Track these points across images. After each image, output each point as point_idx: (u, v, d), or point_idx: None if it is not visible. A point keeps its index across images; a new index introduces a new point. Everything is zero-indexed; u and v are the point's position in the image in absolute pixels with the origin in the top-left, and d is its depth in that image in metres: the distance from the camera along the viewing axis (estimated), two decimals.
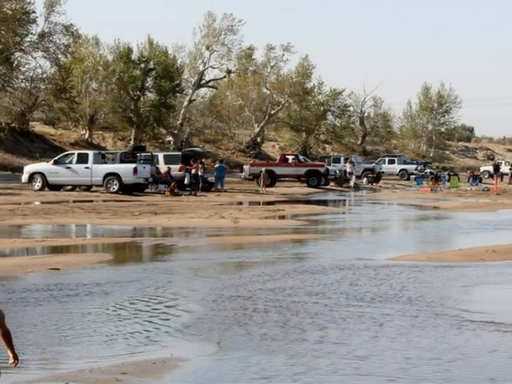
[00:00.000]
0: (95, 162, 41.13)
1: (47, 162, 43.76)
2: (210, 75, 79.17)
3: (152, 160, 44.00)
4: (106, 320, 11.41)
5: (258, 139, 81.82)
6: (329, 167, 55.98)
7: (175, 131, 74.35)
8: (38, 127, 68.66)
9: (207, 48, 76.38)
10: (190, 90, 76.94)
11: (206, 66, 77.36)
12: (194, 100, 78.96)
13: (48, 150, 61.25)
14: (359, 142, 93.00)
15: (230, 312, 11.98)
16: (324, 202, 42.14)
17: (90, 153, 42.69)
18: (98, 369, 8.83)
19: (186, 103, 76.03)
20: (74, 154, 42.99)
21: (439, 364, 9.22)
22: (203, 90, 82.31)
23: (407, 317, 11.85)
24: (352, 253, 19.69)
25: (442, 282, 15.31)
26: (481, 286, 15.10)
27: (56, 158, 42.57)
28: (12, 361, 6.23)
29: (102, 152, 46.42)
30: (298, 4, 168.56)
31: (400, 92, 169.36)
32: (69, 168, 40.93)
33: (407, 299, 13.27)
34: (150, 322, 11.36)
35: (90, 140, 68.24)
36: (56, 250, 19.60)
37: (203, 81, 78.52)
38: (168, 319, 11.60)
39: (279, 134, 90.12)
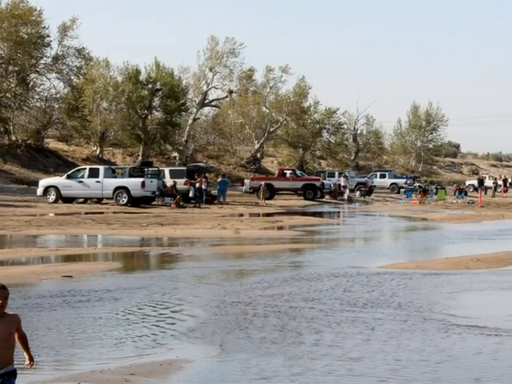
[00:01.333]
0: (106, 176, 41.13)
1: (61, 176, 43.73)
2: (212, 95, 79.33)
3: (159, 174, 44.01)
4: (115, 324, 11.42)
5: (258, 155, 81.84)
6: (324, 181, 55.99)
7: (180, 147, 74.38)
8: (52, 144, 68.67)
9: (210, 70, 76.51)
10: (195, 109, 77.00)
11: (210, 86, 77.47)
12: (198, 118, 79.03)
13: (61, 165, 61.26)
14: (352, 158, 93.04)
15: (232, 317, 11.99)
16: (320, 214, 42.14)
17: (101, 168, 42.69)
18: (108, 370, 8.84)
19: (190, 121, 76.09)
20: (85, 168, 43.01)
21: (427, 365, 9.22)
22: (206, 109, 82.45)
23: (397, 321, 11.85)
24: (346, 261, 19.69)
25: (430, 288, 15.30)
26: (466, 292, 15.09)
27: (69, 173, 42.58)
28: (28, 362, 6.24)
29: (112, 167, 46.40)
30: (296, 28, 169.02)
31: (391, 111, 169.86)
32: (81, 182, 40.94)
33: (397, 305, 13.27)
34: (157, 326, 11.36)
35: (100, 156, 68.25)
36: (69, 258, 19.61)
37: (206, 100, 78.61)
38: (174, 323, 11.60)
39: (278, 150, 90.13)
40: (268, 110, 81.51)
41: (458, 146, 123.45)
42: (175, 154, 74.65)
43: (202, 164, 61.48)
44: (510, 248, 23.09)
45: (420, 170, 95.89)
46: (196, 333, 10.91)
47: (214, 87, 77.90)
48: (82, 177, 41.19)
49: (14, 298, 12.30)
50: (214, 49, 75.96)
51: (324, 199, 55.19)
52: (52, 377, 8.58)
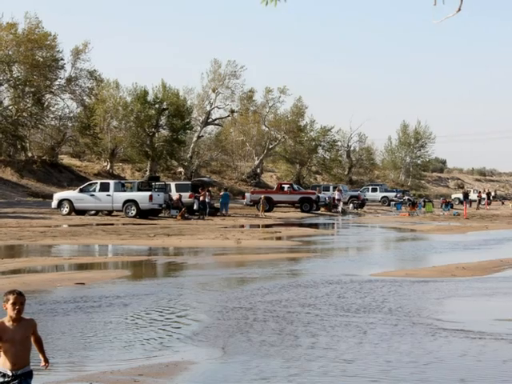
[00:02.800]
0: (116, 190, 41.14)
1: (74, 190, 43.76)
2: (215, 114, 79.45)
3: (165, 188, 43.99)
4: (125, 328, 11.42)
5: (258, 170, 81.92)
6: (319, 195, 55.99)
7: (185, 163, 74.43)
8: (65, 160, 68.77)
9: (213, 91, 76.63)
10: (199, 127, 77.12)
11: (213, 106, 77.60)
12: (202, 136, 79.13)
13: (74, 179, 61.30)
14: (346, 173, 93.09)
15: (233, 321, 11.99)
16: (315, 225, 42.14)
17: (111, 182, 42.70)
18: (118, 371, 8.84)
19: (195, 139, 76.20)
20: (97, 183, 43.01)
21: (416, 366, 9.24)
22: (210, 127, 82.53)
23: (388, 325, 11.86)
24: (340, 269, 19.69)
25: (419, 295, 15.31)
26: (452, 298, 15.09)
27: (81, 187, 42.61)
28: (43, 363, 6.26)
29: (122, 181, 46.41)
30: (294, 52, 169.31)
31: (382, 129, 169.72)
32: (92, 195, 40.94)
33: (388, 310, 13.28)
34: (164, 329, 11.37)
35: (110, 171, 68.30)
36: (81, 266, 19.61)
37: (210, 119, 78.72)
38: (179, 327, 11.60)
39: (276, 165, 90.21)
40: (267, 129, 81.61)
41: (444, 162, 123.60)
42: (180, 169, 74.68)
43: (205, 178, 61.53)
44: (494, 257, 23.09)
45: (409, 184, 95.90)
46: (200, 336, 10.91)
47: (216, 107, 78.10)
48: (94, 190, 41.19)
49: (31, 303, 12.31)
50: (216, 71, 76.15)
51: (319, 211, 55.17)
52: (65, 377, 8.59)
